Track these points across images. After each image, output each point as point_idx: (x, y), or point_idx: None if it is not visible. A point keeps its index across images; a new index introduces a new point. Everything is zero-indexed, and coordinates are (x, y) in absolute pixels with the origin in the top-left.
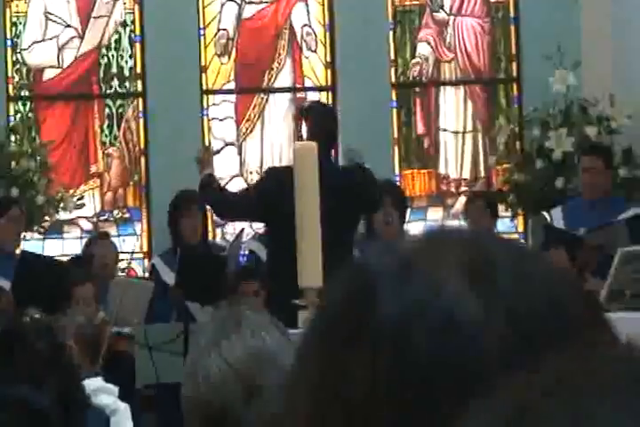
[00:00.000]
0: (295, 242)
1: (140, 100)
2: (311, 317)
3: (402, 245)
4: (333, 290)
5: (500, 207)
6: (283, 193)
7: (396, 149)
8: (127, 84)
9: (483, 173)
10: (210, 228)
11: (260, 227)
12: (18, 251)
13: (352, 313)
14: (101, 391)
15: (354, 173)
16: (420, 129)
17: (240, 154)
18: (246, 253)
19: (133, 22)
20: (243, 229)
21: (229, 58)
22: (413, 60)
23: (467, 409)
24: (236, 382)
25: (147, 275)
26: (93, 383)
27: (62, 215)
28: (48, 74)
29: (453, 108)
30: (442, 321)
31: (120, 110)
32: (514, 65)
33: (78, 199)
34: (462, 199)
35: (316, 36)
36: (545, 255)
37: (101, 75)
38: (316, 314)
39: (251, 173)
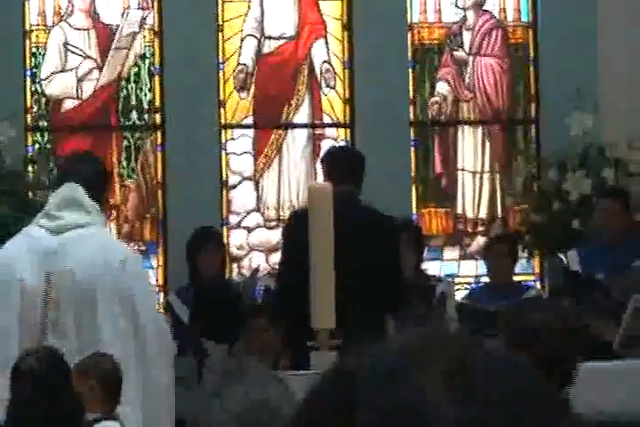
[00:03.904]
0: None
1: (159, 133)
2: (295, 416)
3: (387, 348)
4: (318, 392)
5: None
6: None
7: (414, 187)
8: (146, 116)
9: (500, 214)
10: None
11: (276, 263)
12: None
13: (333, 418)
14: None
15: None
16: (438, 168)
17: (257, 189)
18: (262, 289)
19: (153, 55)
20: (259, 266)
21: (248, 93)
22: (432, 99)
23: None
24: None
25: (162, 310)
26: None
27: None
28: (67, 105)
29: (471, 147)
30: None
31: (138, 143)
32: (532, 106)
33: None
34: (479, 239)
35: (335, 72)
36: (525, 362)
37: (120, 107)
38: (299, 414)
39: (268, 208)
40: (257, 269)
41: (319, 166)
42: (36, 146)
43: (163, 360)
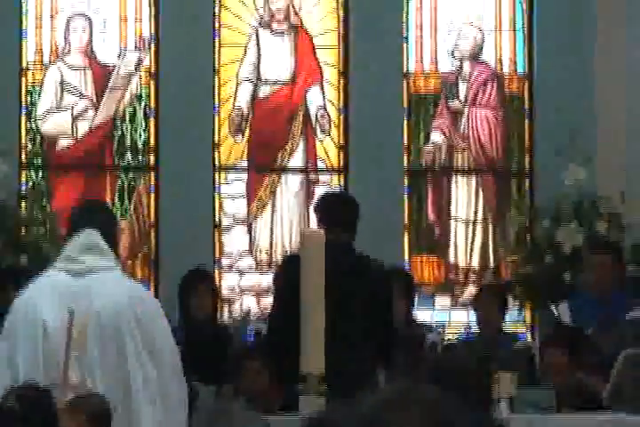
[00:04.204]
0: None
1: (153, 173)
2: None
3: (367, 402)
4: None
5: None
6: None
7: (406, 235)
8: (140, 157)
9: (492, 264)
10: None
11: (267, 308)
12: None
13: None
14: None
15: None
16: (431, 216)
17: (250, 232)
18: (252, 332)
19: (149, 96)
20: (249, 309)
21: (243, 136)
22: (426, 148)
23: None
24: None
25: None
26: None
27: None
28: (62, 143)
29: (465, 196)
30: None
31: (132, 183)
32: (526, 158)
33: None
34: (471, 289)
35: (330, 118)
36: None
37: (115, 147)
38: None
39: (260, 251)
40: (248, 312)
41: (312, 211)
42: (30, 183)
43: (177, 399)
